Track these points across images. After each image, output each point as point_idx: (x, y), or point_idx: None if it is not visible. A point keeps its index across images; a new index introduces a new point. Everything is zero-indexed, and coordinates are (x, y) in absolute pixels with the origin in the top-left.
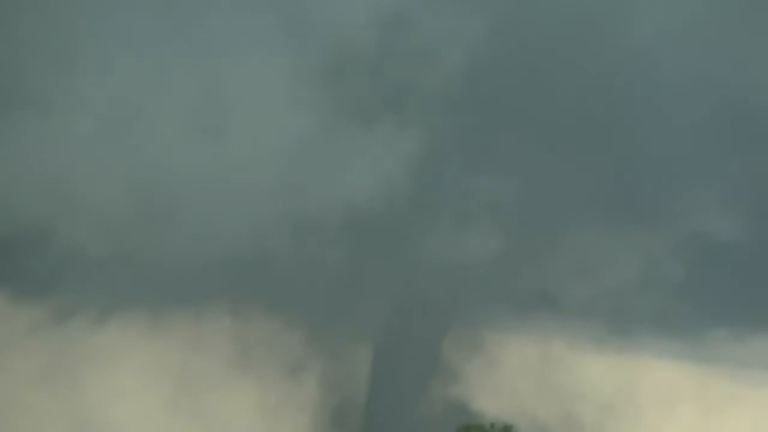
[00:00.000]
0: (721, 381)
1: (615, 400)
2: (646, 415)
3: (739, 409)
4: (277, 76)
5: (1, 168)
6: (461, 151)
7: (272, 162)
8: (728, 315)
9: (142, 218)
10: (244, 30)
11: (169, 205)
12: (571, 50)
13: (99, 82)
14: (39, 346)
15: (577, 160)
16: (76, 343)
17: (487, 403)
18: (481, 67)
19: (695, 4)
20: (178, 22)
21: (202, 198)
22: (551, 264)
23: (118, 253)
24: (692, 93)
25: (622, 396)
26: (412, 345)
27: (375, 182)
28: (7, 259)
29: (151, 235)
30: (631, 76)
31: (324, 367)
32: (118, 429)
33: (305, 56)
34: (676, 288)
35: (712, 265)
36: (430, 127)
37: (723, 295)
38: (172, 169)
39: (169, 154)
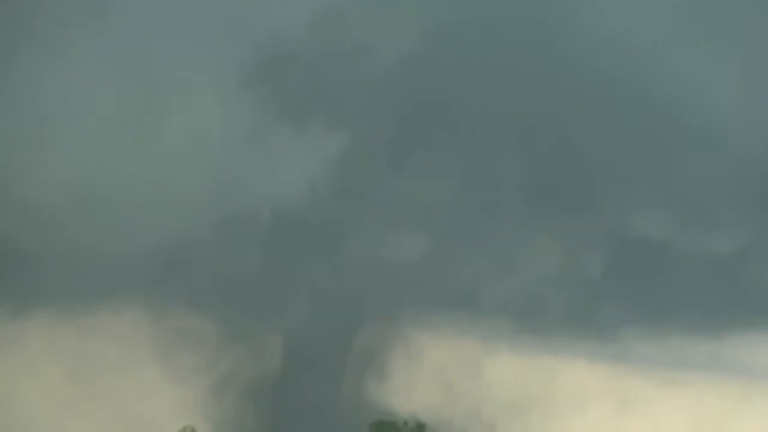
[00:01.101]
0: (634, 380)
1: (525, 400)
2: (557, 414)
3: (651, 408)
4: (206, 73)
5: None
6: (387, 150)
7: (200, 160)
8: (643, 313)
9: (69, 213)
10: (173, 26)
11: (97, 201)
12: (500, 48)
13: (26, 80)
14: None
15: (504, 156)
16: None
17: (400, 401)
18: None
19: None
20: (106, 17)
21: (128, 195)
22: (471, 262)
23: (43, 247)
24: (620, 90)
25: (532, 395)
26: (325, 339)
27: (303, 182)
28: None
29: (77, 230)
30: (556, 74)
31: (237, 359)
32: (27, 425)
33: (235, 53)
34: (592, 285)
35: (630, 262)
36: (358, 127)
37: (639, 293)
38: (100, 167)
39: (98, 151)
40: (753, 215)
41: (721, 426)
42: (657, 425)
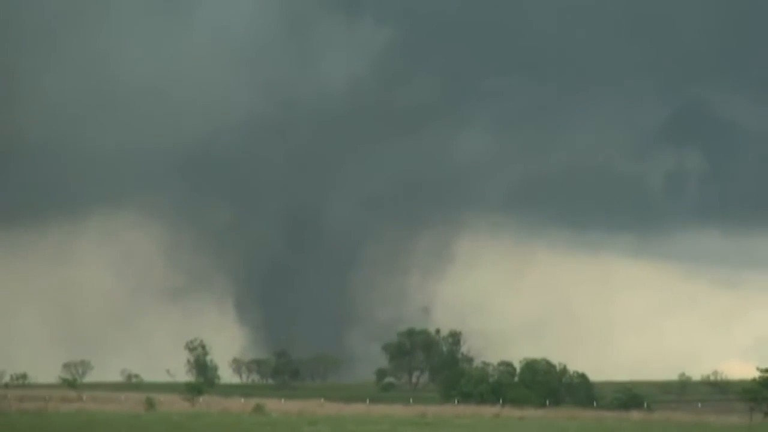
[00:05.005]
0: None
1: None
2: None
3: None
4: None
5: None
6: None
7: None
8: None
9: (94, 114)
10: None
11: (125, 101)
12: None
13: None
14: None
15: None
16: None
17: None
18: None
19: None
20: None
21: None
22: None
23: (69, 147)
24: None
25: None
26: (343, 233)
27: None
28: None
29: (98, 129)
30: None
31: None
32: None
33: None
34: None
35: None
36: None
37: None
38: (128, 65)
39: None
40: None
41: None
42: None
